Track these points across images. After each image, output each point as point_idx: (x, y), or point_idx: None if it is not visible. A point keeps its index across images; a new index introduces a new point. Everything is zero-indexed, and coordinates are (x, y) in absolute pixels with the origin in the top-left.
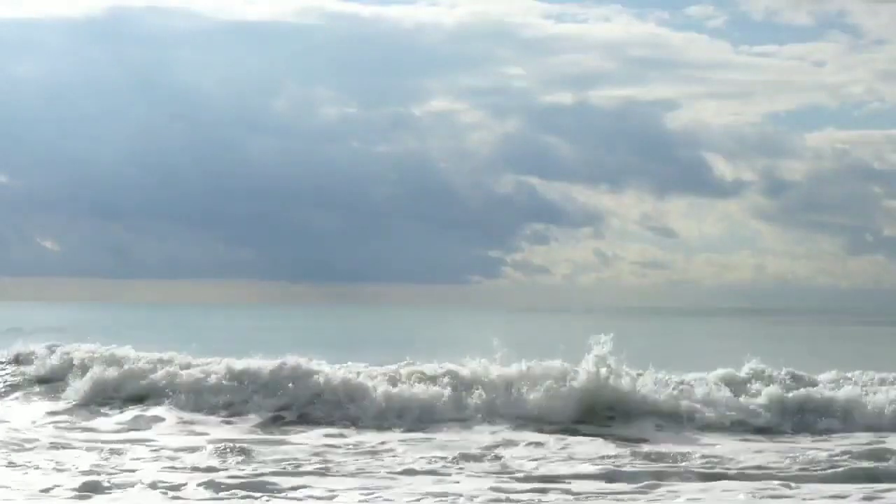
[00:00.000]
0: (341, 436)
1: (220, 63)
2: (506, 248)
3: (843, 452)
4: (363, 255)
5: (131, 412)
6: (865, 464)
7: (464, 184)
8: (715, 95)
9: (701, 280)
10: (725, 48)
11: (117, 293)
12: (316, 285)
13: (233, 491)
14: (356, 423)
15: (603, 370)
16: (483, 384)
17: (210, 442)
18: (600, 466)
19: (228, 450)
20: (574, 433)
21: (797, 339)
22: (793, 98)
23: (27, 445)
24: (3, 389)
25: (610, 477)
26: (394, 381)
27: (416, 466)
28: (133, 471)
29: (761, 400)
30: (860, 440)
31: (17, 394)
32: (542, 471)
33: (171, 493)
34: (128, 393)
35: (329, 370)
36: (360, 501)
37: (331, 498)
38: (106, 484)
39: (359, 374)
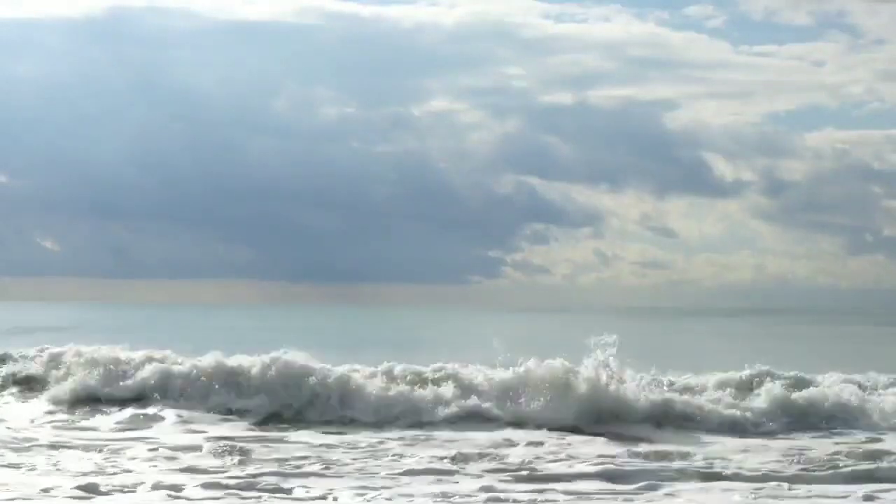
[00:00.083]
0: (340, 434)
1: (220, 63)
2: (506, 248)
3: (843, 452)
4: (363, 255)
5: (129, 411)
6: (865, 464)
7: (464, 184)
8: (715, 95)
9: (701, 280)
10: (725, 48)
11: (117, 293)
12: (316, 285)
13: (233, 491)
14: (355, 422)
15: (603, 377)
16: (483, 384)
17: (209, 441)
18: (600, 466)
19: (227, 449)
20: (574, 433)
21: (797, 339)
22: (792, 98)
23: (26, 445)
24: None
25: (610, 477)
26: (394, 380)
27: (416, 466)
28: (131, 471)
29: (761, 400)
30: (860, 440)
31: (12, 389)
32: (542, 471)
33: (170, 493)
34: (128, 393)
35: (328, 369)
36: (359, 501)
37: (331, 498)
38: (105, 484)
39: (358, 372)
